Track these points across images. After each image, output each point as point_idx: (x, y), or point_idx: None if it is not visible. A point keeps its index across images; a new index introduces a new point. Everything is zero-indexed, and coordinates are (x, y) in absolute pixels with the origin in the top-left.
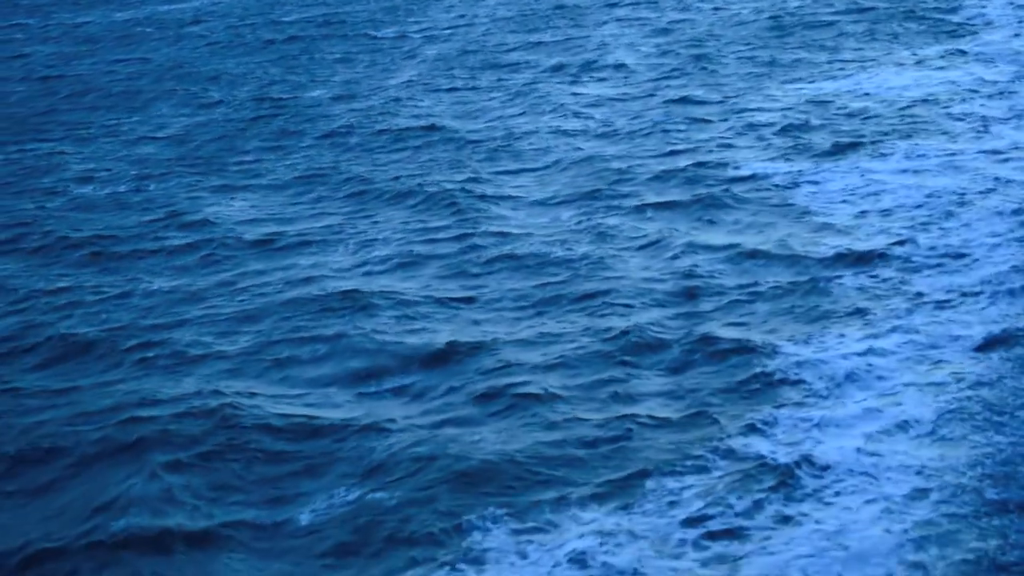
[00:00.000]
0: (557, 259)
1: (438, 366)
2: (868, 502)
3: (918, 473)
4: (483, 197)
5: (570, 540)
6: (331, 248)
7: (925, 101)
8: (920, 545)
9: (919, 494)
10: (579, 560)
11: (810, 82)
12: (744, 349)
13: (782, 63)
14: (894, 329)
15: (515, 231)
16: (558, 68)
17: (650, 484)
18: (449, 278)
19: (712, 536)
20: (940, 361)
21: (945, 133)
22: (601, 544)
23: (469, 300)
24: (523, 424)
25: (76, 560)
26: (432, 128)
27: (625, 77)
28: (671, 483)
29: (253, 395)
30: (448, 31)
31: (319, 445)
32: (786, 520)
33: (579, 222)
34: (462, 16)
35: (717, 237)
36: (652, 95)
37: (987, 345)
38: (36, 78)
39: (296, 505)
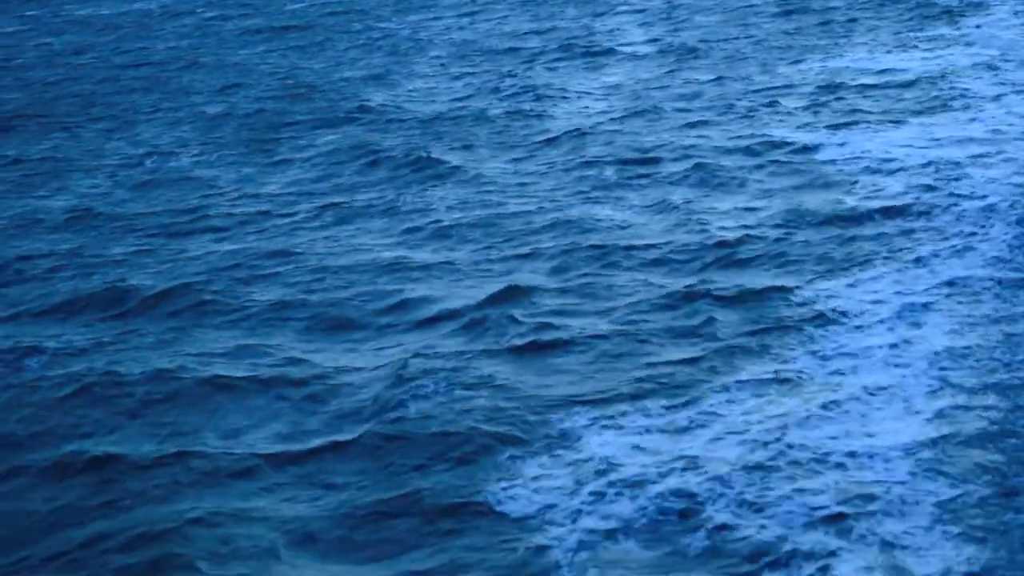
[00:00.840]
0: (591, 222)
1: (496, 308)
2: (891, 403)
3: (940, 385)
4: (515, 171)
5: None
6: (376, 218)
7: (931, 77)
8: (937, 444)
9: (939, 397)
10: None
11: (822, 61)
12: (779, 289)
13: (794, 45)
14: (920, 270)
15: (549, 204)
16: (575, 51)
17: (703, 399)
18: (487, 244)
19: (762, 444)
20: (964, 296)
21: (950, 104)
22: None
23: (509, 258)
24: (589, 354)
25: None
26: (461, 107)
27: (641, 59)
28: (719, 398)
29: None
30: (464, 17)
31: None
32: (818, 424)
33: (611, 189)
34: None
35: (743, 198)
36: (672, 73)
37: (1008, 283)
38: (64, 65)
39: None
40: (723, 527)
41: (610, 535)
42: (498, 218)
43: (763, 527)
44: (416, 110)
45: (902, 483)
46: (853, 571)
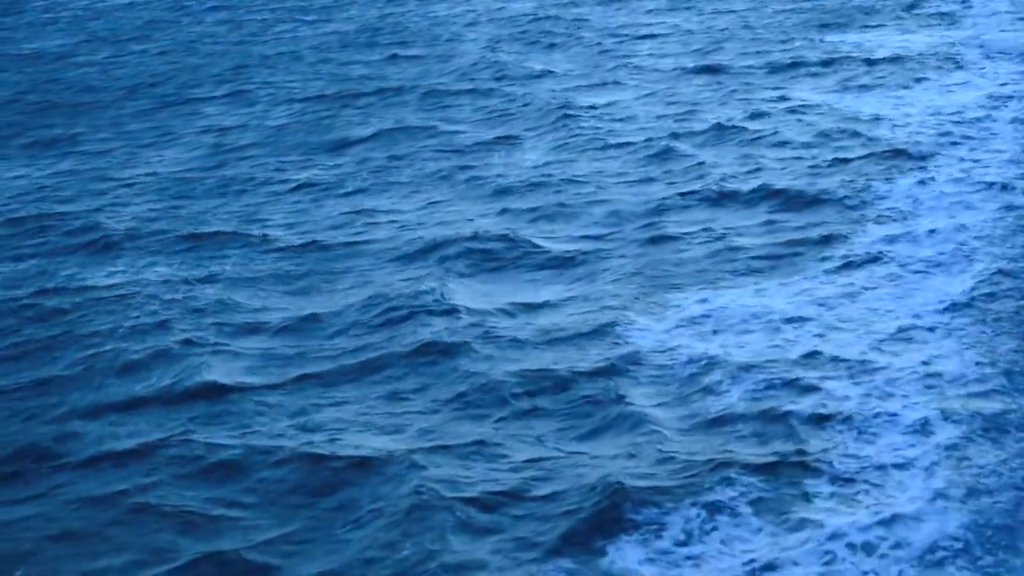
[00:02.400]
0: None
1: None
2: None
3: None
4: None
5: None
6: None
7: (937, 51)
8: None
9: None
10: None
11: (841, 40)
12: (828, 197)
13: (814, 23)
14: (944, 180)
15: (609, 181)
16: (613, 33)
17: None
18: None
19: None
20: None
21: (952, 71)
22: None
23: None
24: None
25: None
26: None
27: (673, 43)
28: (799, 277)
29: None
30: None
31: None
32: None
33: (663, 137)
34: None
35: (773, 146)
36: (705, 53)
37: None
38: (84, 66)
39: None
40: None
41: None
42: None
43: None
44: (460, 88)
45: None
46: None
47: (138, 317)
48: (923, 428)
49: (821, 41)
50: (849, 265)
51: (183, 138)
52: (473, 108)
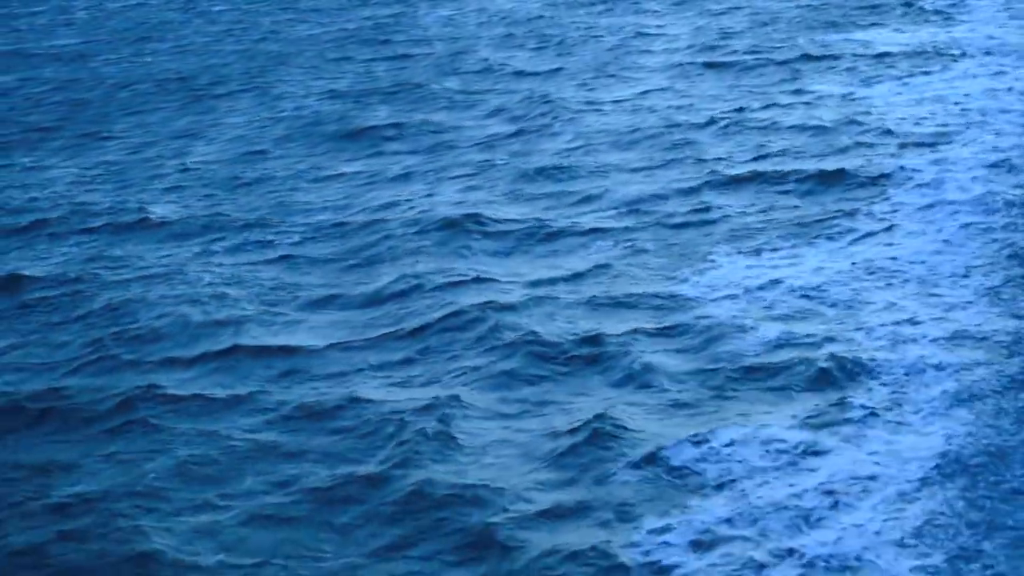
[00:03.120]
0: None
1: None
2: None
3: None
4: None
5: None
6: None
7: (938, 45)
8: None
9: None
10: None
11: (846, 37)
12: (848, 175)
13: (819, 21)
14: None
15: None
16: (623, 31)
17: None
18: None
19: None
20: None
21: (953, 63)
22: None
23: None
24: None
25: None
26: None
27: (684, 41)
28: (823, 245)
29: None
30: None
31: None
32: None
33: (681, 126)
34: None
35: (790, 132)
36: (723, 43)
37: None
38: (109, 64)
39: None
40: None
41: None
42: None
43: None
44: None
45: None
46: None
47: (198, 291)
48: (942, 369)
49: (826, 37)
50: (871, 233)
51: (216, 131)
52: (492, 103)
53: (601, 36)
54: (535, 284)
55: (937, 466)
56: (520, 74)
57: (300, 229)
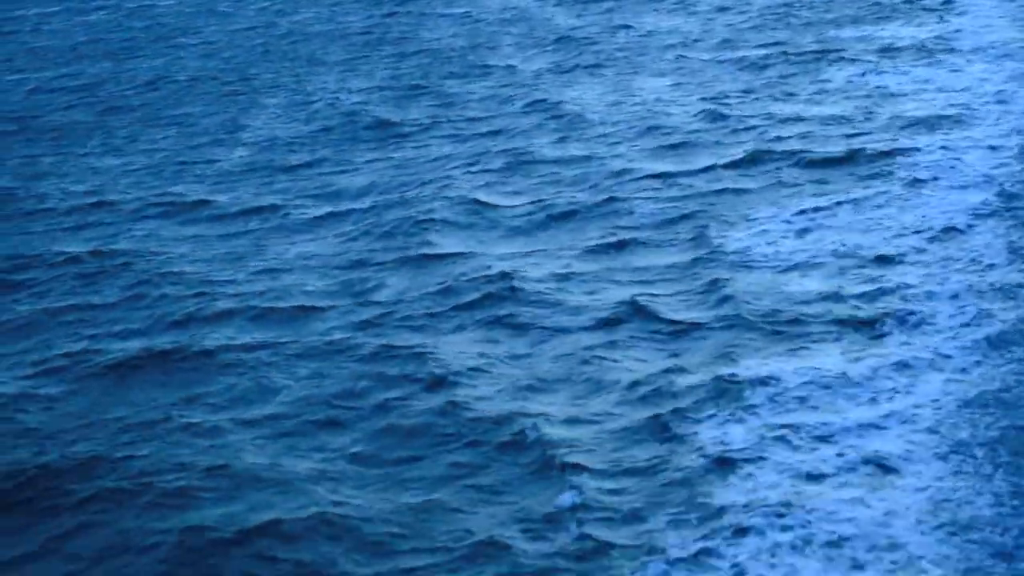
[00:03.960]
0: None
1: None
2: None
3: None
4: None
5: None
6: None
7: (942, 38)
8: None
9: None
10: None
11: (856, 33)
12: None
13: (830, 18)
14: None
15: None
16: (647, 31)
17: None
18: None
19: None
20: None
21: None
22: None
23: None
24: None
25: None
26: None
27: (701, 38)
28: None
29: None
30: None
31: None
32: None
33: (709, 113)
34: None
35: (814, 115)
36: (736, 39)
37: None
38: (144, 60)
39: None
40: None
41: None
42: None
43: None
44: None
45: None
46: None
47: (253, 264)
48: (965, 295)
49: (839, 33)
50: (900, 196)
51: (253, 125)
52: (523, 100)
53: (616, 32)
54: (589, 252)
55: (969, 401)
56: (540, 70)
57: (345, 212)
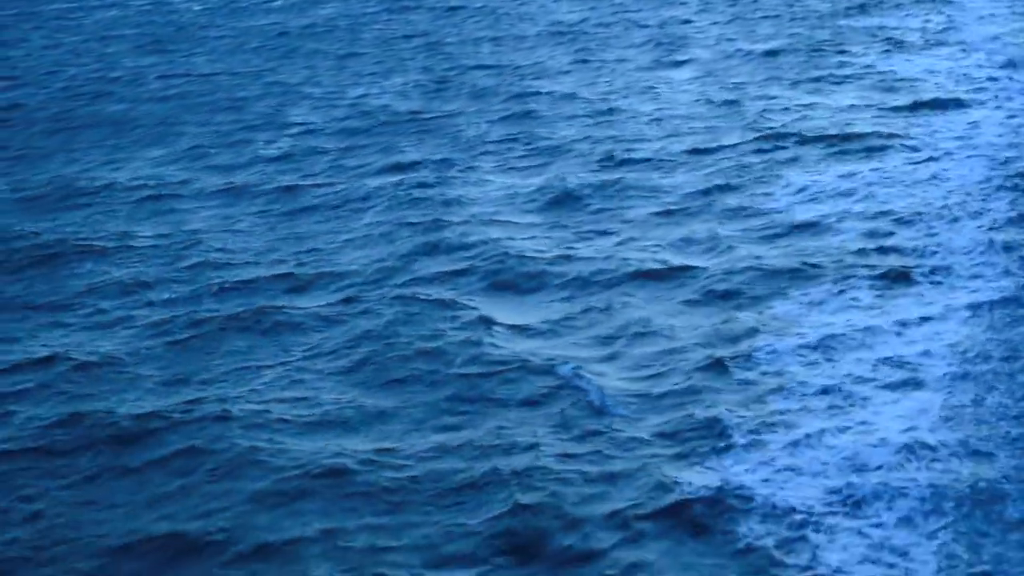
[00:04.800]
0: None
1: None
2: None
3: None
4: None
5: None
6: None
7: (945, 27)
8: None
9: None
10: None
11: (867, 24)
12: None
13: (840, 9)
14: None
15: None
16: (675, 24)
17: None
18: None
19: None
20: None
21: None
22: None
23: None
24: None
25: None
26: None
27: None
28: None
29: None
30: None
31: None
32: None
33: (733, 98)
34: None
35: (835, 96)
36: (759, 32)
37: None
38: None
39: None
40: None
41: None
42: None
43: None
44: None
45: None
46: None
47: (296, 239)
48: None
49: (849, 23)
50: (913, 164)
51: (296, 119)
52: (547, 90)
53: (645, 27)
54: (631, 221)
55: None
56: (575, 63)
57: (394, 197)
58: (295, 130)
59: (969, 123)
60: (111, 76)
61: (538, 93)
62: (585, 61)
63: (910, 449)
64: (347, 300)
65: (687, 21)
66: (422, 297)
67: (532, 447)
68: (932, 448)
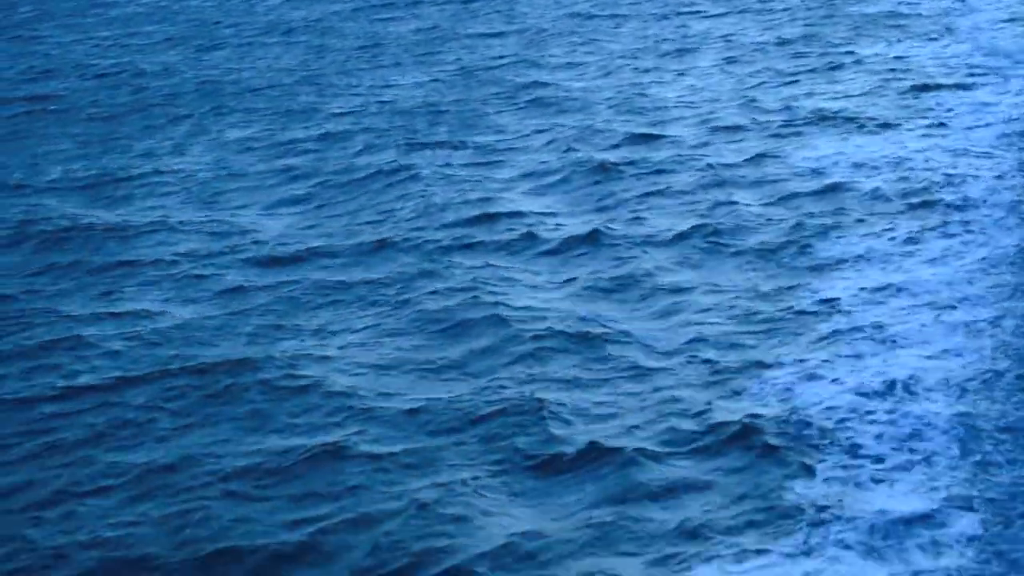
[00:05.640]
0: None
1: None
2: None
3: None
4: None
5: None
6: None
7: (948, 18)
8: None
9: None
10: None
11: (874, 11)
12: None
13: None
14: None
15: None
16: (685, 23)
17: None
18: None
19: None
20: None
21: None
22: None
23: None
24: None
25: None
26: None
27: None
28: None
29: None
30: None
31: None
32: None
33: (754, 84)
34: None
35: (852, 84)
36: (771, 29)
37: None
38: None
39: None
40: None
41: None
42: None
43: None
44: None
45: None
46: None
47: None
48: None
49: (861, 8)
50: (931, 129)
51: (318, 118)
52: (579, 88)
53: (662, 19)
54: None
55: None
56: (592, 53)
57: (425, 179)
58: (329, 117)
59: (981, 100)
60: (140, 68)
61: (557, 84)
62: (603, 51)
63: (951, 380)
64: (402, 269)
65: (701, 12)
66: (469, 265)
67: (571, 382)
68: (971, 379)
